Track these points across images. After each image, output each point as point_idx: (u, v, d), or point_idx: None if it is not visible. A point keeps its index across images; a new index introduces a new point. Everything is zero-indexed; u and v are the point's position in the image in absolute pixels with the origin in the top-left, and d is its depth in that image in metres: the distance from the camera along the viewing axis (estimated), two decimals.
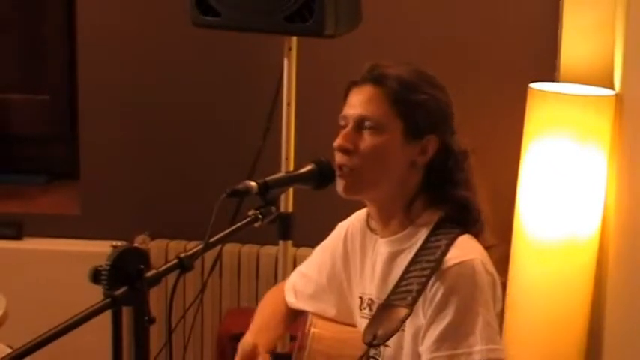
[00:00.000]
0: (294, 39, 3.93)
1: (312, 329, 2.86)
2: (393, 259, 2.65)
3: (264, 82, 4.11)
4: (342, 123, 2.68)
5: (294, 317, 2.94)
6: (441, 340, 2.47)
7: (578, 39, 4.45)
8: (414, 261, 2.55)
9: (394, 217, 2.68)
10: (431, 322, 2.50)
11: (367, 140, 2.61)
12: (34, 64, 5.64)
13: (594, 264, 4.19)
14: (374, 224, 2.77)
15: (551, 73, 4.52)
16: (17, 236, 5.21)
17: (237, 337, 4.66)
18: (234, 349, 4.82)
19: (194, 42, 4.57)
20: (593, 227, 4.15)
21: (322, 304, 2.88)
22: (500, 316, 2.64)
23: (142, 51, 5.08)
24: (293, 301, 2.96)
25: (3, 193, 5.54)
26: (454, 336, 2.46)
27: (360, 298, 2.77)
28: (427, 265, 2.51)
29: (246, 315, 4.82)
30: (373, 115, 2.61)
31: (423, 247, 2.57)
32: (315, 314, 2.89)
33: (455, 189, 2.64)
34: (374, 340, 2.50)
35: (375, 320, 2.54)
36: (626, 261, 3.84)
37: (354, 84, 2.69)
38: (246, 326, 4.80)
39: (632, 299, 3.67)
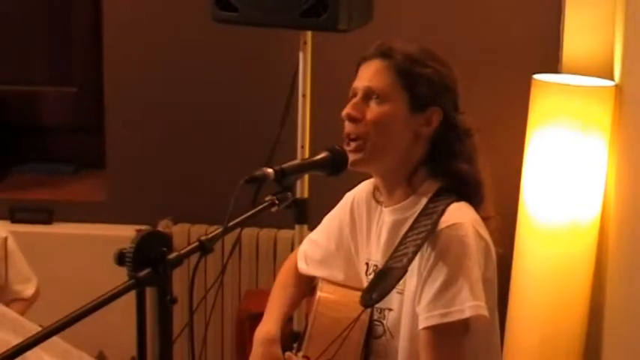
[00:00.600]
0: (309, 33, 3.92)
1: (319, 293, 2.87)
2: (396, 228, 2.66)
3: (281, 74, 4.10)
4: (352, 94, 2.70)
5: (305, 290, 2.95)
6: (435, 300, 2.49)
7: (579, 33, 4.45)
8: (412, 227, 2.58)
9: (398, 187, 2.69)
10: (424, 282, 2.53)
11: (374, 109, 2.64)
12: (62, 60, 5.64)
13: (595, 246, 4.19)
14: (379, 195, 2.79)
15: (554, 65, 4.53)
16: (48, 221, 5.24)
17: (256, 317, 4.68)
18: (253, 328, 4.83)
19: (214, 36, 4.56)
20: (595, 211, 4.16)
21: (331, 269, 2.89)
22: (494, 276, 2.64)
23: (164, 46, 5.08)
24: (304, 267, 2.98)
25: (34, 181, 5.55)
26: (447, 295, 2.48)
27: (367, 264, 2.78)
28: (423, 229, 2.53)
29: (264, 296, 4.81)
30: (379, 86, 2.64)
31: (421, 214, 2.59)
32: (324, 280, 2.89)
33: (455, 161, 2.65)
34: (369, 301, 2.52)
35: (372, 283, 2.56)
36: (625, 244, 3.84)
37: (363, 59, 2.72)
38: (264, 306, 4.82)
39: (631, 280, 3.66)
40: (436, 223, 2.53)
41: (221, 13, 3.88)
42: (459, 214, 2.56)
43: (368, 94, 2.66)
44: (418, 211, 2.61)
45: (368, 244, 2.77)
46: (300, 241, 4.02)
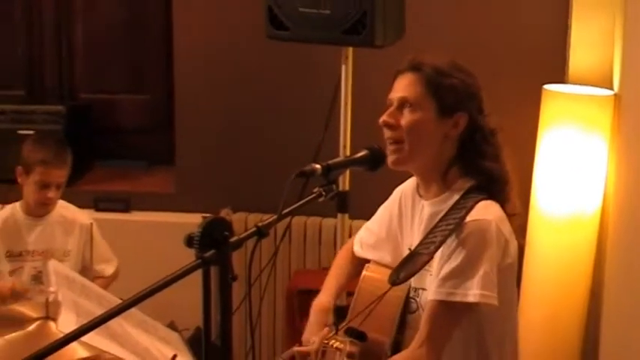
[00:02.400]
0: (350, 49, 3.92)
1: (364, 272, 2.86)
2: (432, 219, 2.64)
3: (325, 84, 4.09)
4: (388, 104, 2.70)
5: (359, 269, 2.92)
6: (446, 279, 2.50)
7: (583, 48, 4.44)
8: (443, 218, 2.57)
9: (433, 183, 2.69)
10: (442, 265, 2.53)
11: (407, 116, 2.63)
12: (137, 72, 5.66)
13: (596, 235, 4.17)
14: (421, 190, 2.77)
15: (561, 76, 4.50)
16: (125, 210, 5.27)
17: (303, 292, 4.72)
18: (301, 302, 4.84)
19: (269, 50, 4.56)
20: (596, 205, 4.14)
21: (381, 252, 2.88)
22: (512, 269, 2.63)
23: (225, 59, 5.09)
24: (359, 250, 2.97)
25: (113, 175, 5.57)
26: (458, 278, 2.48)
27: (409, 249, 2.75)
28: (452, 221, 2.52)
29: (310, 274, 4.86)
30: (411, 96, 2.63)
31: (452, 208, 2.58)
32: (374, 262, 2.89)
33: (483, 160, 2.64)
34: (396, 280, 2.52)
35: (401, 264, 2.57)
36: (623, 233, 3.82)
37: (398, 72, 2.71)
38: (311, 283, 4.81)
39: (628, 265, 3.64)
40: (464, 217, 2.52)
41: (275, 32, 3.89)
42: (485, 212, 2.55)
43: (402, 104, 2.65)
44: (450, 205, 2.59)
45: (411, 232, 2.76)
46: (342, 228, 4.04)
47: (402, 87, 2.67)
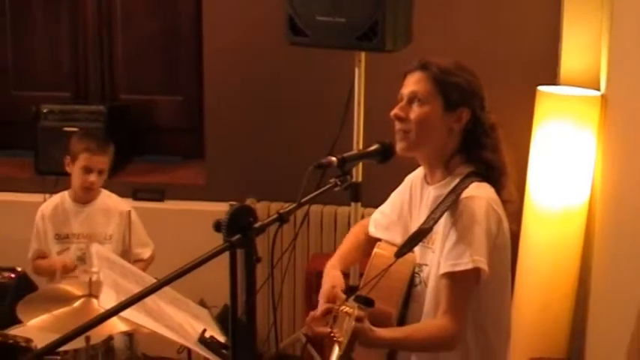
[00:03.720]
0: (363, 53, 3.91)
1: (375, 250, 2.85)
2: (436, 201, 2.64)
3: (341, 85, 4.08)
4: (399, 99, 2.70)
5: (371, 247, 2.91)
6: (448, 253, 2.52)
7: (573, 53, 4.44)
8: (443, 200, 2.58)
9: (438, 170, 2.70)
10: (444, 240, 2.54)
11: (416, 110, 2.64)
12: (171, 75, 5.65)
13: (585, 225, 4.16)
14: (427, 177, 2.77)
15: (553, 79, 4.49)
16: (160, 199, 5.27)
17: (320, 274, 4.69)
18: (319, 283, 4.81)
19: (290, 55, 4.53)
20: (585, 196, 4.12)
21: (392, 233, 2.86)
22: (506, 249, 2.64)
23: (251, 64, 5.09)
24: (373, 231, 2.96)
25: (150, 168, 5.57)
26: (456, 250, 2.50)
27: None
28: (450, 200, 2.54)
29: (327, 257, 4.81)
30: (420, 91, 2.64)
31: (452, 190, 2.59)
32: (386, 241, 2.87)
33: (482, 151, 2.65)
34: (400, 254, 2.54)
35: (407, 240, 2.58)
36: (609, 223, 3.81)
37: (408, 71, 2.72)
38: None
39: (614, 252, 3.64)
40: (459, 195, 2.54)
41: (295, 38, 3.89)
42: (478, 191, 2.56)
43: (411, 98, 2.66)
44: (451, 188, 2.60)
45: (419, 215, 2.75)
46: (355, 216, 4.02)
47: (412, 83, 2.68)
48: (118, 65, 5.71)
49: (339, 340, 2.45)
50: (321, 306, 2.74)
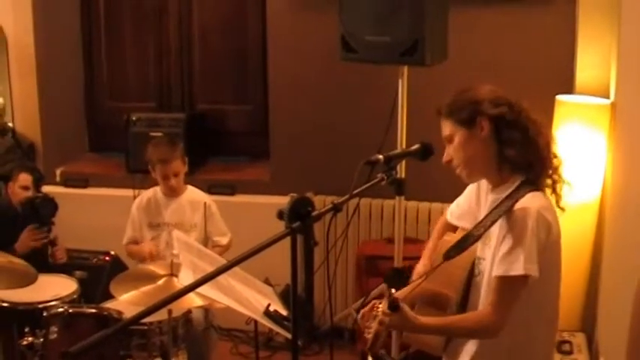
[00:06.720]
0: (406, 67, 3.87)
1: (444, 237, 2.78)
2: (492, 205, 2.53)
3: (386, 95, 4.03)
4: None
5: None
6: (502, 259, 2.40)
7: (587, 67, 4.41)
8: (496, 207, 2.47)
9: (493, 178, 2.56)
10: (499, 246, 2.44)
11: (452, 149, 2.56)
12: (241, 87, 5.66)
13: (597, 217, 4.11)
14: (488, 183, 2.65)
15: (570, 89, 4.44)
16: (232, 194, 5.29)
17: (369, 258, 4.69)
18: (367, 266, 4.80)
19: (343, 69, 4.50)
20: (597, 193, 4.09)
21: (464, 222, 2.76)
22: (556, 246, 2.50)
23: (308, 77, 5.09)
24: (449, 218, 2.86)
25: (223, 167, 5.58)
26: (510, 257, 2.38)
27: None
28: (502, 209, 2.43)
29: (374, 244, 4.84)
30: (445, 133, 2.57)
31: (505, 198, 2.47)
32: (459, 229, 2.78)
33: (511, 149, 2.50)
34: (447, 256, 2.45)
35: (457, 242, 2.48)
36: (618, 215, 3.73)
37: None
38: (375, 251, 4.79)
39: (622, 240, 3.57)
40: (512, 205, 2.43)
41: (347, 55, 3.87)
42: (530, 201, 2.43)
43: (446, 141, 2.57)
44: (505, 196, 2.49)
45: (481, 213, 2.63)
46: (399, 208, 3.99)
47: (443, 130, 2.59)
48: (196, 79, 5.73)
49: (367, 336, 2.42)
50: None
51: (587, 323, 4.16)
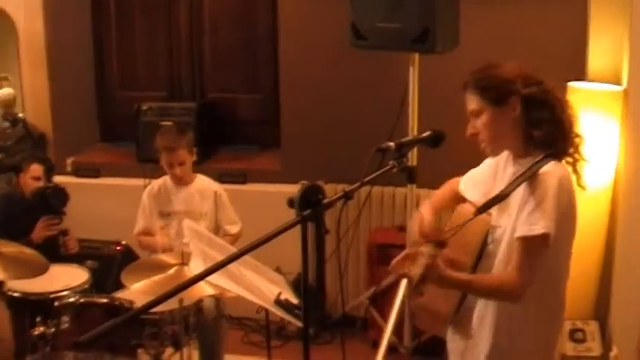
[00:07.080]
0: (417, 55, 3.85)
1: (457, 208, 2.78)
2: (515, 174, 2.55)
3: (398, 82, 4.03)
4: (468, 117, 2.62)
5: (456, 203, 2.85)
6: (525, 220, 2.44)
7: (599, 54, 4.39)
8: (521, 175, 2.49)
9: (518, 152, 2.58)
10: (521, 208, 2.46)
11: (478, 122, 2.55)
12: (251, 76, 5.65)
13: (610, 201, 4.10)
14: (510, 157, 2.65)
15: (582, 76, 4.42)
16: (243, 182, 5.29)
17: (381, 246, 4.68)
18: (379, 254, 4.78)
19: (353, 56, 4.48)
20: (610, 178, 4.08)
21: (476, 192, 2.75)
22: (573, 213, 2.54)
23: (318, 65, 5.08)
24: (463, 188, 2.85)
25: (234, 156, 5.58)
26: (531, 218, 2.42)
27: None
28: (527, 174, 2.46)
29: (386, 232, 4.82)
30: (471, 107, 2.56)
31: (529, 168, 2.49)
32: (470, 201, 2.77)
33: (539, 129, 2.52)
34: (477, 212, 2.49)
35: (486, 202, 2.51)
36: (630, 199, 3.74)
37: (462, 91, 2.62)
38: (386, 239, 4.77)
39: (635, 224, 3.56)
40: (536, 171, 2.45)
41: (357, 42, 3.86)
42: (552, 169, 2.46)
43: (472, 115, 2.57)
44: (528, 166, 2.50)
45: (499, 185, 2.64)
46: (411, 196, 3.97)
47: (467, 103, 2.58)
48: (207, 68, 5.73)
49: (411, 274, 2.39)
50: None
51: (600, 311, 4.14)
